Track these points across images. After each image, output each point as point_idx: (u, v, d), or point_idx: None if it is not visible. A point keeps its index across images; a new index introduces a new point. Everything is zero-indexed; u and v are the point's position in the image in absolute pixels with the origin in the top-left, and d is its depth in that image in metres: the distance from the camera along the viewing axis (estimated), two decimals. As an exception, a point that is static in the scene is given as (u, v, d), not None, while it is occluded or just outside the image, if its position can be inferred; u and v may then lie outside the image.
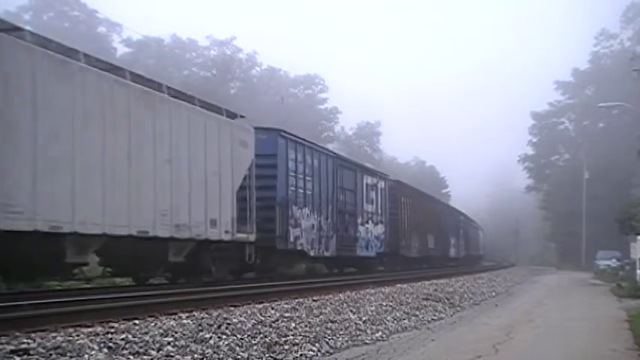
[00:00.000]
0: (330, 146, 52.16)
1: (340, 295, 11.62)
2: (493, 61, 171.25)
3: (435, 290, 14.55)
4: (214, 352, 5.83)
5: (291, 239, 17.37)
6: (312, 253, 18.91)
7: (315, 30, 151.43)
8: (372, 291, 12.94)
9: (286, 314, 8.45)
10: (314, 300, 10.37)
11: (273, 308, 9.00)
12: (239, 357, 5.88)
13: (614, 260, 34.11)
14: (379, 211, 25.50)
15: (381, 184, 25.83)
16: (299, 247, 17.96)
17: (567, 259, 55.02)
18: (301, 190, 18.15)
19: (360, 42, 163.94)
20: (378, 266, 26.45)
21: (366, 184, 24.04)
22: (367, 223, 23.76)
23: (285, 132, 18.05)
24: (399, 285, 15.11)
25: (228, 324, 7.22)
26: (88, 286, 13.18)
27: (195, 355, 5.64)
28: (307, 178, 18.47)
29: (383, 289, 13.44)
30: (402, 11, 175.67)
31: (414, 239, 30.95)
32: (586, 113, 57.96)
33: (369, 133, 72.86)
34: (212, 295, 10.18)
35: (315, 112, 63.57)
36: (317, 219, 19.19)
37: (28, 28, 9.78)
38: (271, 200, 16.65)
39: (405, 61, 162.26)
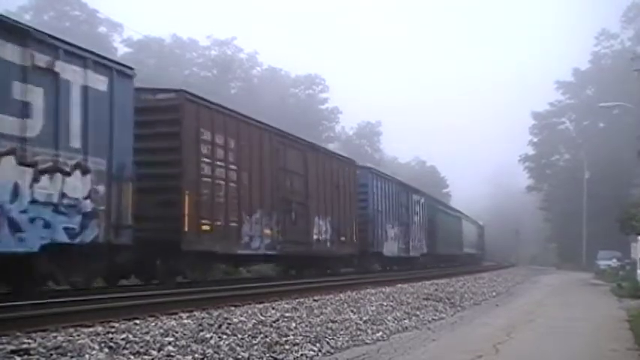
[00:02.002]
0: (330, 146, 52.23)
1: (341, 295, 11.63)
2: (493, 61, 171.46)
3: (436, 290, 14.56)
4: (215, 352, 5.83)
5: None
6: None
7: (316, 30, 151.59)
8: (373, 291, 12.94)
9: (287, 314, 8.45)
10: (314, 300, 10.38)
11: (273, 308, 9.00)
12: (240, 357, 5.88)
13: (614, 260, 34.13)
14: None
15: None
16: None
17: (568, 259, 55.00)
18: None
19: (360, 42, 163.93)
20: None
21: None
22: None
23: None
24: (399, 285, 15.12)
25: (229, 324, 7.22)
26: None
27: (196, 355, 5.65)
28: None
29: (383, 289, 13.45)
30: (403, 11, 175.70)
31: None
32: (586, 113, 57.92)
33: (369, 132, 72.87)
34: (213, 295, 10.18)
35: (315, 112, 63.59)
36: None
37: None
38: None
39: (406, 61, 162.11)
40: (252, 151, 15.02)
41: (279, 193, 16.38)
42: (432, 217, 35.45)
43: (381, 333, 8.09)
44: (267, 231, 15.57)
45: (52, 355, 5.14)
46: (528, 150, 65.70)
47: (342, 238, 20.60)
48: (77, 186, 9.82)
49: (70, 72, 9.83)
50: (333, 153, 23.17)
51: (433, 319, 10.08)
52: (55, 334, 5.90)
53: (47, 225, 9.18)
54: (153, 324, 6.89)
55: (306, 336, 7.05)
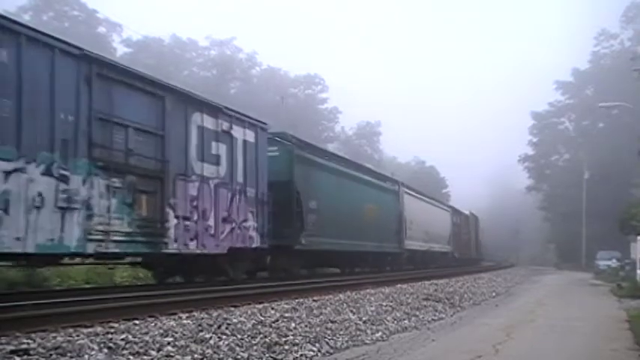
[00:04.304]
0: (330, 146, 52.26)
1: (340, 295, 11.62)
2: (493, 61, 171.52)
3: (435, 290, 14.55)
4: (214, 352, 5.83)
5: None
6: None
7: (316, 30, 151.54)
8: (372, 291, 12.93)
9: (286, 314, 8.44)
10: (314, 300, 10.37)
11: (273, 308, 8.99)
12: (239, 357, 5.87)
13: (614, 260, 34.18)
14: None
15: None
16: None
17: (567, 259, 55.08)
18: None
19: (360, 42, 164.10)
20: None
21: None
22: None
23: None
24: (399, 285, 15.11)
25: (228, 324, 7.21)
26: (88, 286, 13.21)
27: (195, 355, 5.64)
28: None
29: (383, 290, 13.44)
30: (403, 12, 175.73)
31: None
32: (586, 113, 57.98)
33: (369, 132, 72.96)
34: (212, 295, 10.17)
35: (315, 111, 63.69)
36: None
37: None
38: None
39: (406, 61, 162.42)
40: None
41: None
42: (301, 178, 17.47)
43: (380, 333, 8.09)
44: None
45: (51, 355, 5.13)
46: (528, 150, 65.90)
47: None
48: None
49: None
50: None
51: (433, 320, 10.07)
52: (54, 335, 5.90)
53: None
54: (152, 324, 6.89)
55: (306, 336, 7.04)
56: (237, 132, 13.78)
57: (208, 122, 12.75)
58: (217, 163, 12.94)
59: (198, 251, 12.14)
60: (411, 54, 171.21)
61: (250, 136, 14.33)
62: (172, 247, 11.36)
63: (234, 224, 13.44)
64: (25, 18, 44.60)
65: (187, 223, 11.83)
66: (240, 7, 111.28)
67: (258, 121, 14.92)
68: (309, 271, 19.77)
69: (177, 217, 11.53)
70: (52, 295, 9.88)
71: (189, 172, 12.02)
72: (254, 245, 14.26)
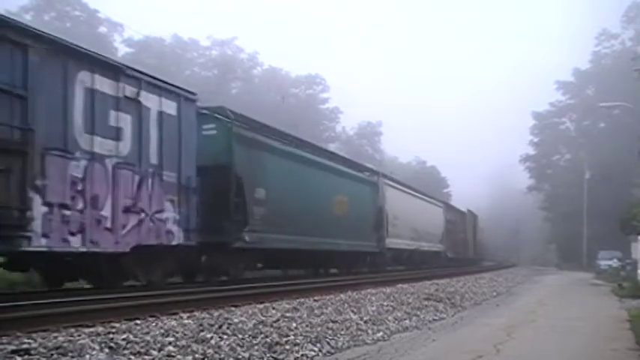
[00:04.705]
0: (331, 146, 52.25)
1: (341, 295, 11.62)
2: (494, 61, 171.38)
3: (437, 290, 14.55)
4: (215, 352, 5.83)
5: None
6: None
7: (316, 30, 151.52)
8: (373, 291, 12.93)
9: (287, 314, 8.44)
10: (315, 300, 10.37)
11: (274, 308, 8.99)
12: (240, 357, 5.87)
13: (615, 260, 34.16)
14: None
15: None
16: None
17: (568, 260, 55.04)
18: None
19: (360, 42, 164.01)
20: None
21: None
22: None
23: None
24: (400, 285, 15.12)
25: (230, 324, 7.21)
26: (88, 286, 13.20)
27: (197, 355, 5.64)
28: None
29: (384, 289, 13.44)
30: (403, 12, 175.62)
31: None
32: (587, 113, 57.97)
33: (370, 132, 72.91)
34: (213, 295, 10.17)
35: (316, 111, 63.66)
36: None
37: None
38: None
39: (407, 61, 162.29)
40: None
41: None
42: (244, 162, 14.75)
43: (381, 333, 8.09)
44: None
45: (52, 355, 5.13)
46: (529, 150, 65.92)
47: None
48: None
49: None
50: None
51: (434, 320, 10.07)
52: (55, 334, 5.90)
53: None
54: (153, 324, 6.89)
55: (307, 336, 7.04)
56: (150, 101, 11.13)
57: (104, 85, 10.09)
58: (117, 137, 10.31)
59: (84, 249, 9.56)
60: (411, 54, 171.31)
61: (170, 107, 11.65)
62: (39, 244, 8.77)
63: (142, 215, 10.83)
64: (27, 18, 44.63)
65: (66, 212, 9.22)
66: (241, 7, 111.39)
67: (184, 89, 12.33)
68: (253, 273, 16.64)
69: (47, 204, 8.92)
70: (52, 295, 9.88)
71: (70, 147, 9.40)
72: (174, 242, 11.59)
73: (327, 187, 19.25)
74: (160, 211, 11.26)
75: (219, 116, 14.33)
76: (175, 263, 12.48)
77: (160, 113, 11.37)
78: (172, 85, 11.98)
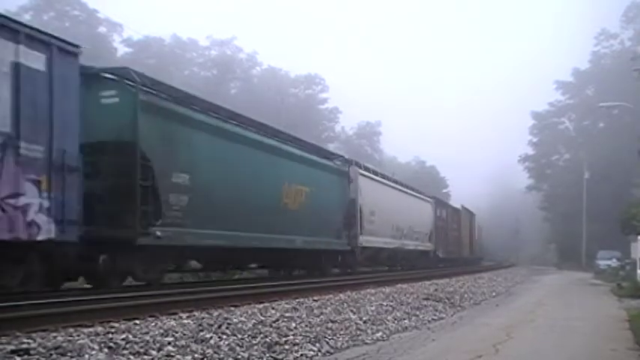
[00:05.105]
0: (330, 146, 52.25)
1: (341, 295, 11.62)
2: (493, 61, 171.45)
3: (436, 290, 14.56)
4: (215, 352, 5.83)
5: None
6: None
7: (316, 30, 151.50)
8: (373, 291, 12.94)
9: (287, 314, 8.44)
10: (314, 300, 10.37)
11: (273, 308, 8.99)
12: (239, 357, 5.88)
13: (614, 260, 34.16)
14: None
15: None
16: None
17: (568, 259, 55.04)
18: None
19: (360, 42, 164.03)
20: None
21: None
22: None
23: None
24: (399, 285, 15.13)
25: (229, 324, 7.21)
26: (88, 286, 13.19)
27: (196, 355, 5.64)
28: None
29: (383, 289, 13.45)
30: (403, 12, 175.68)
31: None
32: (586, 113, 58.01)
33: (369, 132, 72.94)
34: (212, 294, 10.18)
35: (315, 111, 63.68)
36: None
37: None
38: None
39: (406, 61, 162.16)
40: None
41: None
42: (155, 139, 11.84)
43: (380, 333, 8.09)
44: None
45: (51, 355, 5.13)
46: (528, 150, 65.96)
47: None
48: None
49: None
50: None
51: (433, 319, 10.07)
52: (55, 334, 5.90)
53: None
54: (153, 324, 6.89)
55: (306, 336, 7.04)
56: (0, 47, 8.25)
57: None
58: None
59: None
60: (410, 54, 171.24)
61: (35, 59, 8.69)
62: None
63: None
64: (26, 17, 44.63)
65: None
66: (241, 7, 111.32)
67: (58, 38, 9.37)
68: (162, 277, 13.06)
69: None
70: (52, 294, 9.87)
71: None
72: (41, 237, 8.72)
73: (279, 175, 16.28)
74: (15, 195, 8.35)
75: (120, 79, 11.44)
76: (43, 265, 9.44)
77: (16, 65, 8.42)
78: (39, 31, 9.00)
